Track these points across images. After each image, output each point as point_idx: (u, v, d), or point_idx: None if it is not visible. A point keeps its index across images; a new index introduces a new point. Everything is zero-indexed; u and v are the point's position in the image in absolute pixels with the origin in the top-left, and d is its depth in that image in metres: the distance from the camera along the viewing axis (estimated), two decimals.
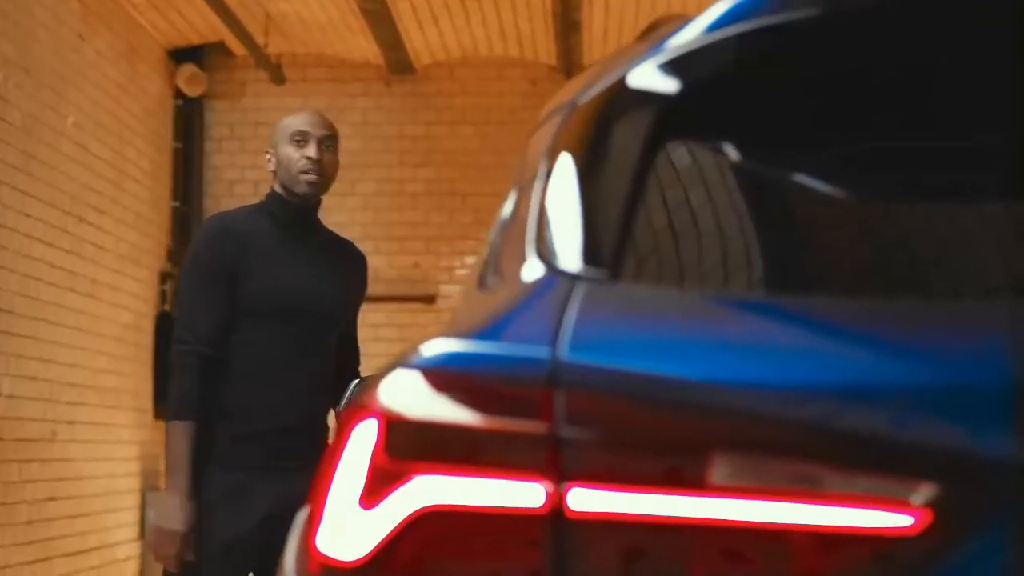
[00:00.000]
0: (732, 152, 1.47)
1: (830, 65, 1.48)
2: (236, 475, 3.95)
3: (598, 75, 1.67)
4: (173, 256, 8.68)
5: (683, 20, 1.72)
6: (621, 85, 1.54)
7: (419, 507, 1.26)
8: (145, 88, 8.28)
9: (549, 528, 1.22)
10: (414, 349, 1.43)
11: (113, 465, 7.64)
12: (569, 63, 8.81)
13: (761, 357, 1.25)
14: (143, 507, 8.12)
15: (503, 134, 9.03)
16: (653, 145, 1.46)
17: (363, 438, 1.36)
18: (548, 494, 1.22)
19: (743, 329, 1.30)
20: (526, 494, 1.23)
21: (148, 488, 8.21)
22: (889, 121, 1.46)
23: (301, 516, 1.53)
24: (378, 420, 1.34)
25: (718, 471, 1.19)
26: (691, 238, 1.43)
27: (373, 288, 8.41)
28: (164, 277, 8.58)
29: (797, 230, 1.44)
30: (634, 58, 1.57)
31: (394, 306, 8.84)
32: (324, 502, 1.39)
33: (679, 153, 1.47)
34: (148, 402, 8.26)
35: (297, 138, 4.05)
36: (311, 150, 4.03)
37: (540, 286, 1.40)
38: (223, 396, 3.98)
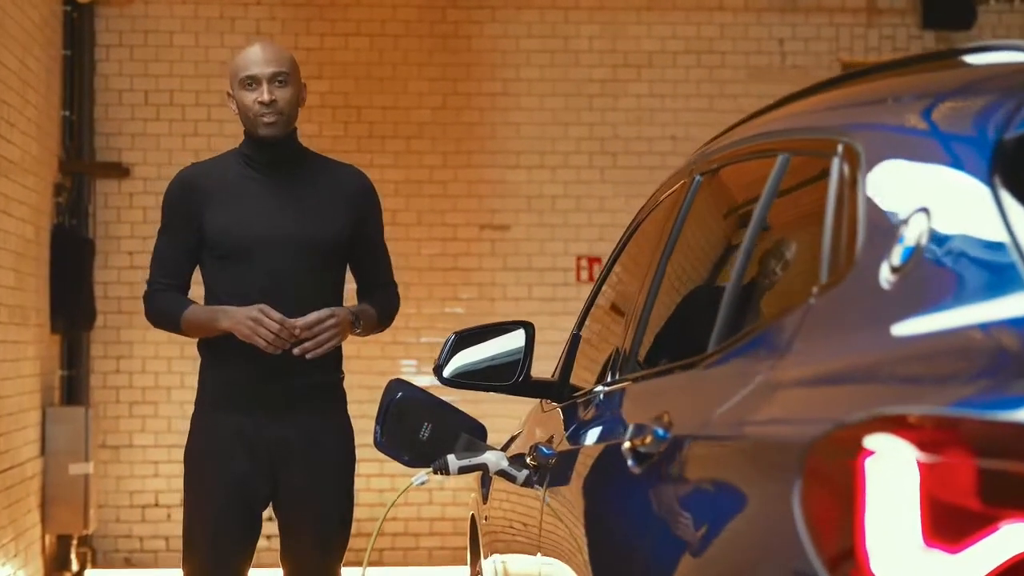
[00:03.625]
0: None
1: None
2: (222, 418, 3.99)
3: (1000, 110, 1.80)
4: (64, 167, 8.47)
5: None
6: None
7: (1017, 552, 1.41)
8: None
9: None
10: (962, 390, 1.55)
11: (20, 383, 7.51)
12: None
13: None
14: (43, 423, 8.01)
15: (398, 47, 9.01)
16: None
17: (905, 475, 1.49)
18: None
19: None
20: None
21: (47, 404, 8.09)
22: None
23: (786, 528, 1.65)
24: (938, 464, 1.47)
25: None
26: None
27: None
28: (58, 189, 8.38)
29: None
30: None
31: None
32: (861, 533, 1.53)
33: None
34: (46, 318, 8.11)
35: (248, 83, 4.02)
36: (263, 93, 3.99)
37: None
38: (204, 344, 4.05)
